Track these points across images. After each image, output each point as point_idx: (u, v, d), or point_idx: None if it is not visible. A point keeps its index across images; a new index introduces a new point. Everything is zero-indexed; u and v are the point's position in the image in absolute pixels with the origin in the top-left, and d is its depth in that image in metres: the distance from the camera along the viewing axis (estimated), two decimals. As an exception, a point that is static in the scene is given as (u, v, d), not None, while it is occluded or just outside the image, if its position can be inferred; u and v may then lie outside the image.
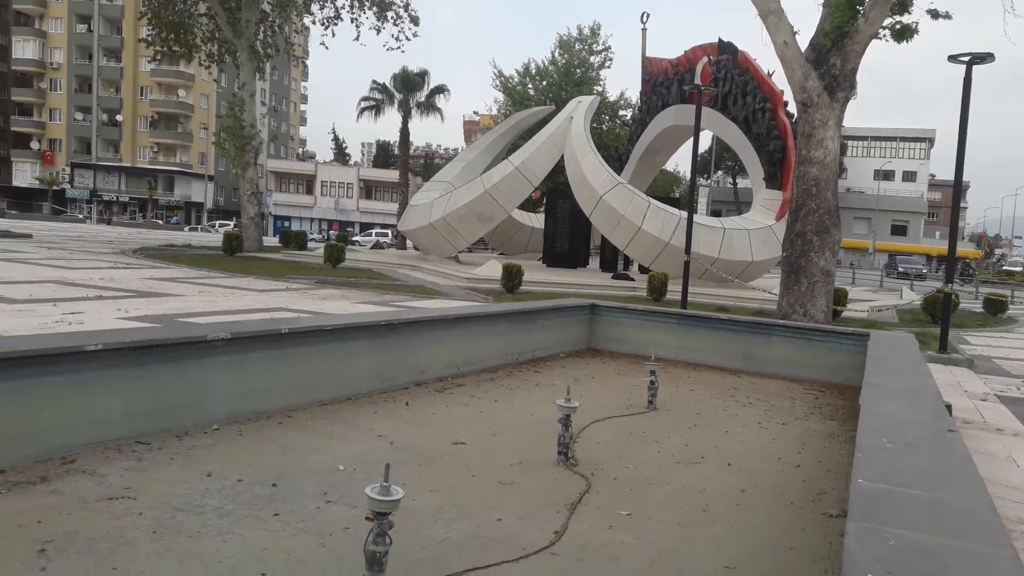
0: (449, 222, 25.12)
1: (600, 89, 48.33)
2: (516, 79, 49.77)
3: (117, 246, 29.24)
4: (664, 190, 55.62)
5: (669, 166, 57.16)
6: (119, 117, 77.99)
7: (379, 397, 6.15)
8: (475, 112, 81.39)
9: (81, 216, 71.58)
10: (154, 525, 3.29)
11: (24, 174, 79.01)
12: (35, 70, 78.00)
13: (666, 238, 21.41)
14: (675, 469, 4.82)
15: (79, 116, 78.87)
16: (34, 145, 79.18)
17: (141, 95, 78.15)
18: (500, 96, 51.20)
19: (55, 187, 75.83)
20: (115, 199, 77.84)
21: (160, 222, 72.33)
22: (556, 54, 49.47)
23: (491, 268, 21.55)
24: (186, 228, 65.69)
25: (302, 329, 5.68)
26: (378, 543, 2.67)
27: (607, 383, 7.67)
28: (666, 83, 28.87)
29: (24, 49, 77.48)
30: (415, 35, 31.50)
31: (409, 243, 34.84)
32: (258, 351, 5.23)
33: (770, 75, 24.75)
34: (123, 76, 77.71)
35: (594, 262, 30.21)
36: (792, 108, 23.82)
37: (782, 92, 23.92)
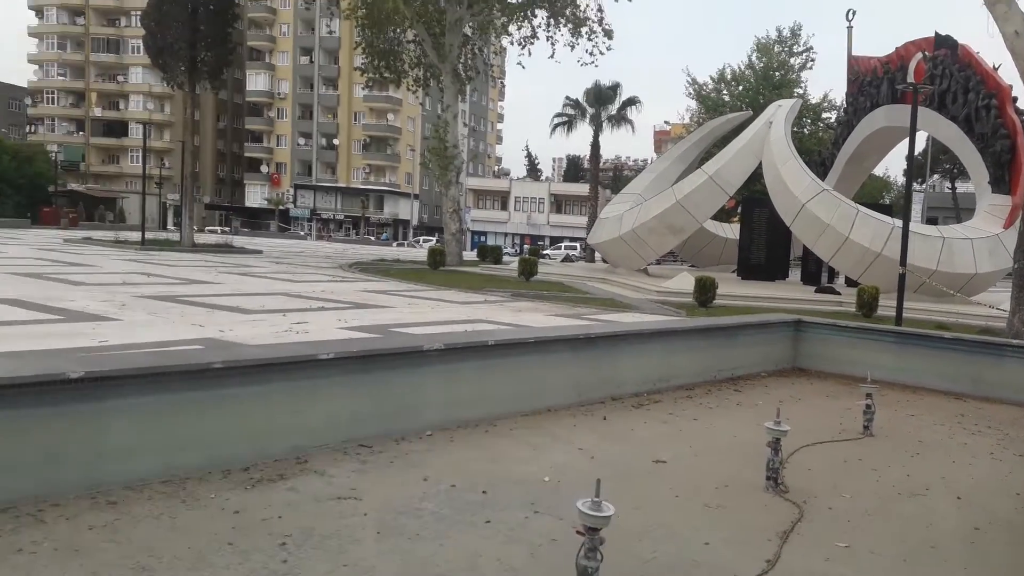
0: (639, 234, 24.92)
1: (801, 92, 46.01)
2: (710, 86, 48.56)
3: (334, 261, 31.68)
4: (872, 196, 51.79)
5: (878, 170, 53.23)
6: (336, 141, 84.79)
7: (577, 410, 6.23)
8: (666, 122, 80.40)
9: (302, 233, 78.41)
10: (378, 525, 3.54)
11: (255, 195, 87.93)
12: (265, 100, 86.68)
13: (877, 248, 19.94)
14: (896, 500, 4.49)
15: (301, 141, 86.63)
16: (263, 169, 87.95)
17: (355, 120, 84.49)
18: (693, 104, 50.15)
19: (281, 207, 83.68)
20: (332, 217, 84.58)
21: (372, 238, 77.53)
22: (753, 58, 47.73)
23: (682, 281, 21.10)
24: (394, 244, 69.91)
25: (507, 341, 5.90)
26: (589, 558, 2.71)
27: (815, 405, 7.28)
28: (875, 82, 26.96)
29: (256, 82, 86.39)
30: (608, 48, 31.74)
31: (598, 256, 34.94)
32: (468, 361, 5.49)
33: (995, 69, 22.42)
34: (339, 103, 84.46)
35: (794, 274, 28.71)
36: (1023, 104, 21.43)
37: (1010, 87, 21.57)
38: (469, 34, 32.05)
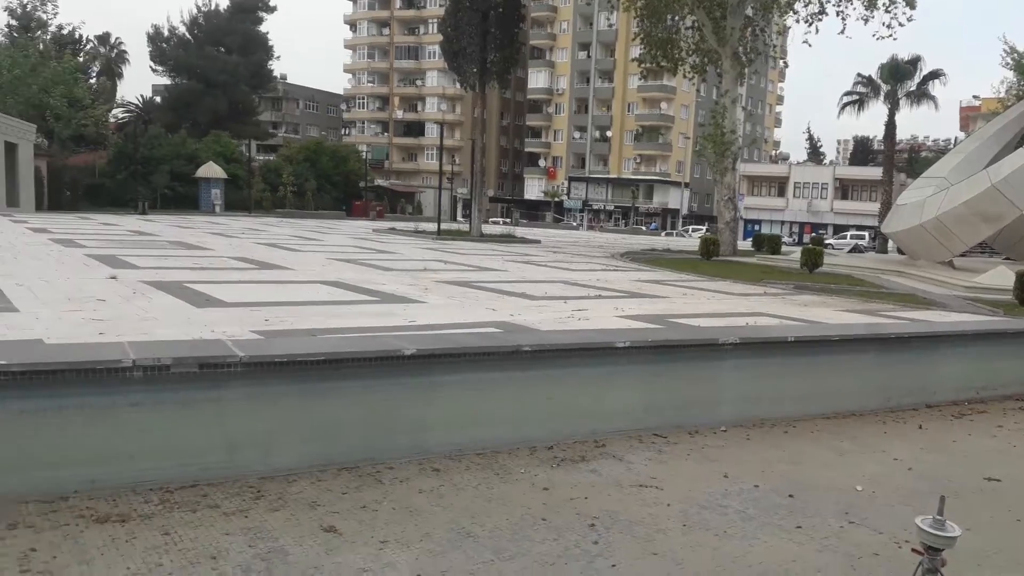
0: (944, 223, 22.26)
1: None
2: (1036, 53, 42.05)
3: (606, 250, 32.17)
4: None
5: None
6: (609, 133, 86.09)
7: (886, 416, 5.73)
8: (975, 96, 70.95)
9: (575, 224, 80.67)
10: (682, 518, 3.53)
11: (533, 188, 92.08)
12: (544, 97, 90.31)
13: None
14: None
15: (576, 135, 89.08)
16: (541, 163, 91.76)
17: (628, 111, 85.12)
18: (1010, 75, 43.81)
19: (556, 199, 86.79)
20: (602, 208, 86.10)
21: (643, 228, 77.78)
22: (1097, 16, 40.55)
23: (998, 275, 18.50)
24: (662, 233, 69.49)
25: (807, 338, 5.59)
26: (930, 580, 2.48)
27: None
28: None
29: (537, 79, 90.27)
30: (909, 19, 28.59)
31: (891, 246, 31.90)
32: (765, 357, 5.29)
33: None
34: (614, 95, 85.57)
35: None
36: None
37: None
38: (751, 15, 30.69)
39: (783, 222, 76.72)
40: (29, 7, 49.63)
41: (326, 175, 56.06)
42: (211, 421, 3.79)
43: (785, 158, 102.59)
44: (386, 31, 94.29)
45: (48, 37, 50.77)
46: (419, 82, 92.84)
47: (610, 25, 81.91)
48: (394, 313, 10.01)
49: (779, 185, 79.67)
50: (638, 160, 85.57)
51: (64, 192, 41.24)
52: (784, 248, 36.25)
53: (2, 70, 42.03)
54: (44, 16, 50.56)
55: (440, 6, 71.32)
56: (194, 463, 3.70)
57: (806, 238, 53.88)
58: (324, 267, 15.88)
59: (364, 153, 65.58)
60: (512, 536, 3.25)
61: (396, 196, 68.24)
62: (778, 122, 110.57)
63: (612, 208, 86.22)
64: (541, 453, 4.32)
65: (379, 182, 72.07)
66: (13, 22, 50.24)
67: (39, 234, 18.56)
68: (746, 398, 5.24)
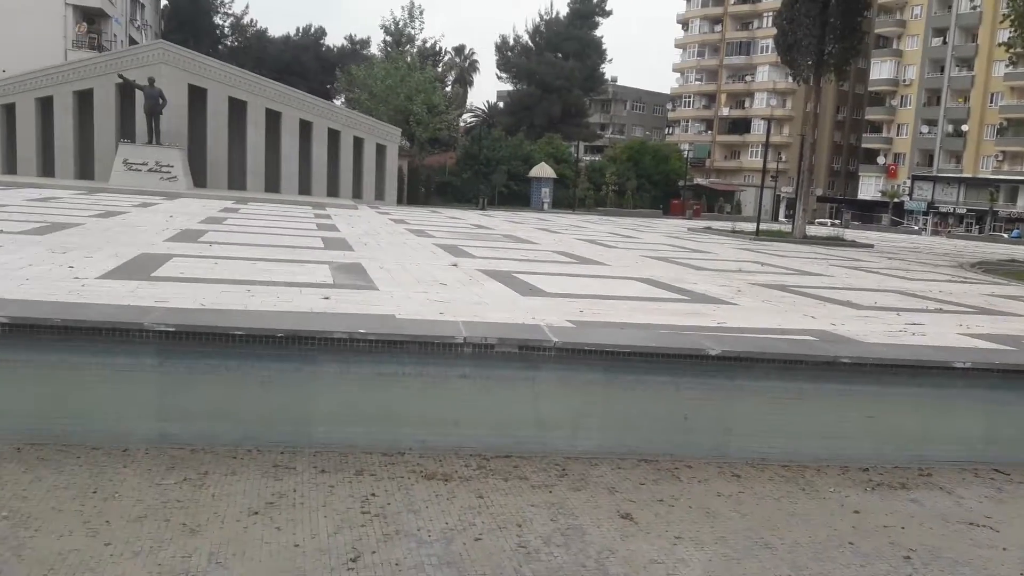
0: None
1: None
2: None
3: (953, 259, 28.57)
4: None
5: None
6: (964, 127, 76.11)
7: None
8: None
9: (916, 227, 72.60)
10: (1021, 566, 3.09)
11: (868, 187, 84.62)
12: (888, 89, 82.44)
13: None
14: None
15: (924, 129, 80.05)
16: (880, 160, 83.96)
17: (990, 102, 74.57)
18: None
19: (895, 199, 78.88)
20: (951, 211, 76.42)
21: (1004, 235, 67.74)
22: None
23: None
24: (1028, 242, 59.87)
25: None
26: None
27: None
28: None
29: (880, 70, 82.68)
30: None
31: None
32: None
33: None
34: (973, 85, 75.46)
35: None
36: None
37: None
38: None
39: None
40: (401, 24, 56.87)
41: (647, 174, 56.75)
42: (526, 399, 4.11)
43: None
44: (718, 28, 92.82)
45: (415, 51, 57.73)
46: (748, 78, 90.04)
47: (974, 7, 72.33)
48: (703, 313, 9.88)
49: None
50: (1000, 158, 74.60)
51: (419, 188, 46.74)
52: None
53: (377, 81, 48.73)
54: (412, 32, 57.62)
55: (776, -2, 68.49)
56: (509, 436, 4.04)
57: None
58: (637, 264, 16.17)
59: (686, 152, 65.20)
60: (813, 555, 3.10)
61: (714, 194, 66.86)
62: None
63: (964, 211, 76.20)
64: (854, 474, 4.03)
65: (698, 181, 71.21)
66: (388, 38, 57.92)
67: (398, 224, 21.27)
68: (1123, 442, 4.40)
